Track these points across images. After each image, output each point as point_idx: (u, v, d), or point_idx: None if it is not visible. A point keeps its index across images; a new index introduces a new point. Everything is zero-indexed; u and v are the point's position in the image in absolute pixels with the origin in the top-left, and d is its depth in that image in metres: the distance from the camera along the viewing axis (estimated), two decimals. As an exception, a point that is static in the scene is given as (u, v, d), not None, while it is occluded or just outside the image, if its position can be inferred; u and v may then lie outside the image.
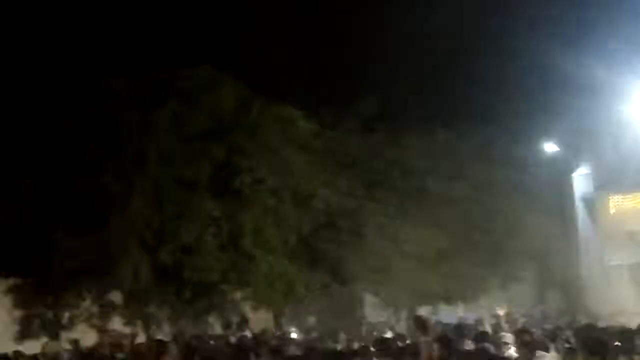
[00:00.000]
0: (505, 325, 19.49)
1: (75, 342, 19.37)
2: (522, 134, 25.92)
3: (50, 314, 20.60)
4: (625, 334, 10.43)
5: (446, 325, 20.74)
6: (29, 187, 19.50)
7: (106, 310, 21.01)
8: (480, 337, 12.36)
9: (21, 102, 20.20)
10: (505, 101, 24.84)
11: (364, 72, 25.82)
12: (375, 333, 20.81)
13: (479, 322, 21.23)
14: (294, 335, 19.62)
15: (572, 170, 29.99)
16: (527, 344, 10.24)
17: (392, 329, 22.17)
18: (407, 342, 13.78)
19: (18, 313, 20.58)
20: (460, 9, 25.44)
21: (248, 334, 19.08)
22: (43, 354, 17.75)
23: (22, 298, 20.65)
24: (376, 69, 26.19)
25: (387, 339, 14.32)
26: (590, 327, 13.99)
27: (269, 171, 21.10)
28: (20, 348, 18.20)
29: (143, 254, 19.85)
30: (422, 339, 12.99)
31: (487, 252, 25.06)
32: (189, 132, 20.55)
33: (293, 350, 14.50)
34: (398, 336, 16.01)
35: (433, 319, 22.79)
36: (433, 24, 25.43)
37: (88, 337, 20.28)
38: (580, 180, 30.60)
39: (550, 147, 28.54)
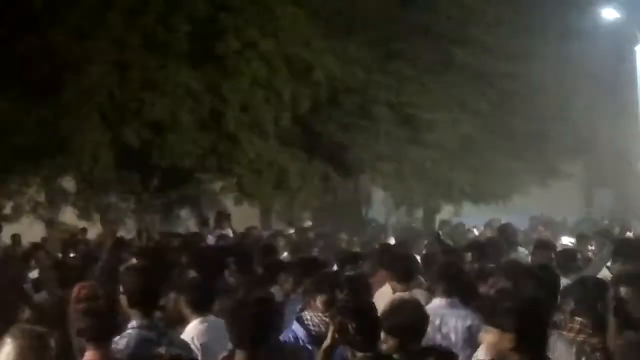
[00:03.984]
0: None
1: (15, 237, 20.12)
2: None
3: (-12, 202, 21.33)
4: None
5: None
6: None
7: (56, 199, 21.74)
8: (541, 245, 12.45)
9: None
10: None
11: None
12: (382, 236, 21.14)
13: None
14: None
15: (635, 42, 30.02)
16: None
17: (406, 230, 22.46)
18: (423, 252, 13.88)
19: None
20: None
21: (229, 232, 19.42)
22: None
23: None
24: None
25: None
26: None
27: (260, 33, 21.35)
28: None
29: (103, 131, 20.34)
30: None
31: (524, 142, 25.14)
32: (162, -19, 20.78)
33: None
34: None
35: (455, 221, 23.90)
36: None
37: (34, 231, 20.86)
38: None
39: (609, 13, 28.38)
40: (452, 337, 7.40)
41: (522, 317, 5.25)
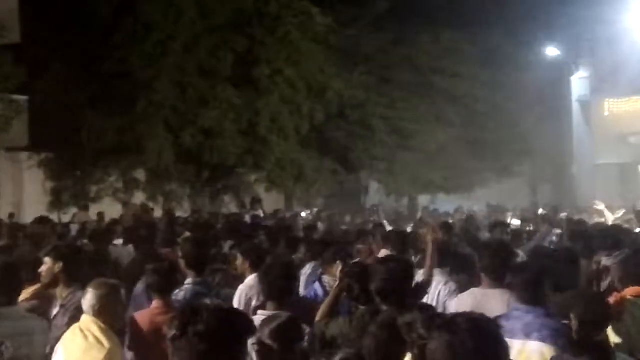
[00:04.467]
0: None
1: (100, 214, 19.95)
2: (525, 38, 25.46)
3: (79, 187, 21.33)
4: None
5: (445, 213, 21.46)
6: (61, 70, 19.80)
7: (130, 186, 21.77)
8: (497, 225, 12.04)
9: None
10: (510, 5, 24.51)
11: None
12: (375, 218, 20.76)
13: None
14: (303, 215, 19.96)
15: (571, 74, 29.68)
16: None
17: (395, 214, 22.42)
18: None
19: (50, 185, 21.38)
20: None
21: (260, 213, 19.32)
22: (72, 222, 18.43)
23: (54, 172, 21.48)
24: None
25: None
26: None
27: (287, 63, 21.38)
28: (52, 217, 18.53)
29: (166, 135, 20.47)
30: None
31: (485, 147, 25.19)
32: (213, 22, 20.66)
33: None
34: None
35: (432, 207, 23.92)
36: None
37: (114, 210, 20.65)
38: (578, 84, 30.18)
39: (551, 51, 28.16)
40: (434, 298, 6.84)
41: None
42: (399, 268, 5.22)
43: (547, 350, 4.48)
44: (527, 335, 4.54)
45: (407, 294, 5.25)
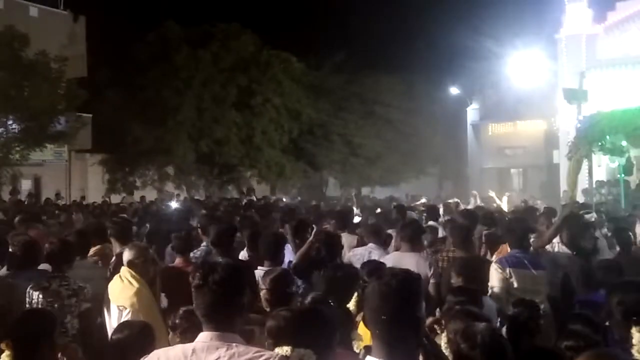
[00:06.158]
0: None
1: (142, 197, 19.62)
2: (437, 81, 25.87)
3: (127, 179, 21.07)
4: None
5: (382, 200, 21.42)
6: (115, 96, 19.60)
7: (163, 178, 21.60)
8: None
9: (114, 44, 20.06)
10: (427, 58, 24.96)
11: (339, 32, 25.64)
12: (334, 202, 20.74)
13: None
14: (283, 200, 19.59)
15: (466, 106, 29.91)
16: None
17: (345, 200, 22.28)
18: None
19: (106, 177, 21.15)
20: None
21: (254, 198, 18.87)
22: (122, 202, 18.15)
23: (109, 167, 21.18)
24: (347, 30, 26.08)
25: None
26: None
27: (274, 94, 21.33)
28: (106, 199, 18.49)
29: (189, 143, 20.28)
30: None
31: (408, 155, 24.97)
32: (223, 65, 20.60)
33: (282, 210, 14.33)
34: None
35: (371, 195, 23.82)
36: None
37: (151, 194, 20.46)
38: (471, 113, 29.85)
39: (454, 90, 28.24)
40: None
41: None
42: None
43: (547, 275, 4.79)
44: (535, 267, 4.68)
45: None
